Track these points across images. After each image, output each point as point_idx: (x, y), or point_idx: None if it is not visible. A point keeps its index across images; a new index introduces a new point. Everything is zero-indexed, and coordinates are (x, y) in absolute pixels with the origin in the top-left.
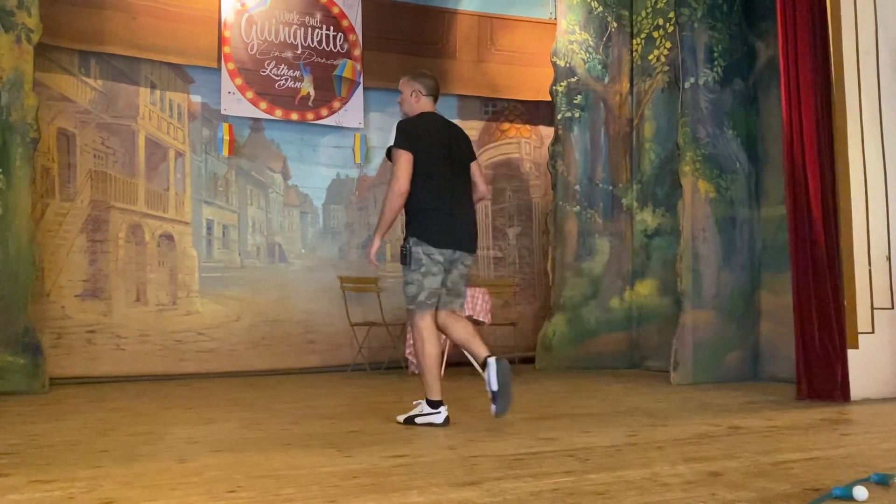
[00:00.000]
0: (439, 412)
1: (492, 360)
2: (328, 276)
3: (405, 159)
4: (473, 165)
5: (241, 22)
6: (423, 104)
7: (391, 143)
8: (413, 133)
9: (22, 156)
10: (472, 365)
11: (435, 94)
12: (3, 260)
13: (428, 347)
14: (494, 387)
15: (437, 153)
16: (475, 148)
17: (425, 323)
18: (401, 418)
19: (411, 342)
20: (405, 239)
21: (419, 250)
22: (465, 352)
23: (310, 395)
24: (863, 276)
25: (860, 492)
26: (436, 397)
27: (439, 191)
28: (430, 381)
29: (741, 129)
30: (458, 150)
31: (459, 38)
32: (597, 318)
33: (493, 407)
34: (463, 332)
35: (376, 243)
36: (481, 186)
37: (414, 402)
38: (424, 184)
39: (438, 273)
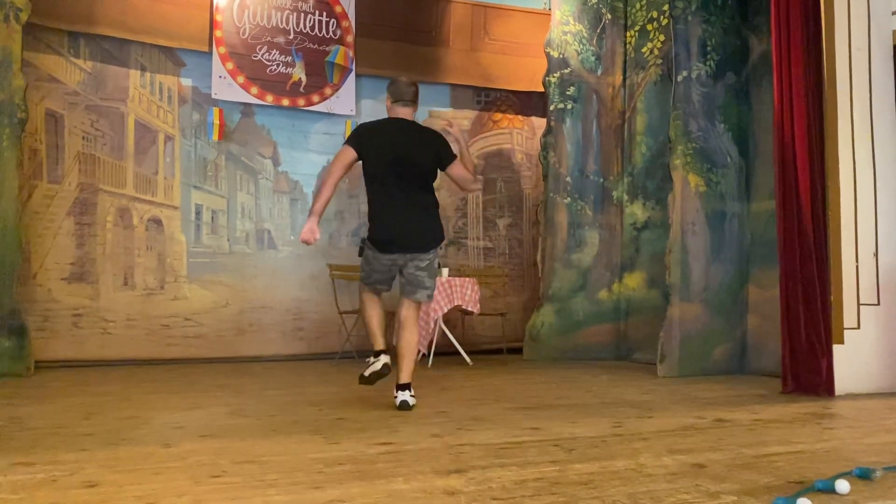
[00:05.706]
0: (379, 359)
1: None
2: (317, 263)
3: (341, 151)
4: (452, 168)
5: (233, 6)
6: (393, 111)
7: None
8: (361, 135)
9: (9, 136)
10: (459, 354)
11: (406, 99)
12: None
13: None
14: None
15: (383, 159)
16: (466, 137)
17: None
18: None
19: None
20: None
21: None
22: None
23: (297, 381)
24: (850, 272)
25: (842, 485)
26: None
27: (383, 198)
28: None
29: (733, 124)
30: (412, 158)
31: (453, 26)
32: (585, 310)
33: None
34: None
35: (308, 223)
36: (466, 186)
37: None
38: (371, 189)
39: (382, 269)
